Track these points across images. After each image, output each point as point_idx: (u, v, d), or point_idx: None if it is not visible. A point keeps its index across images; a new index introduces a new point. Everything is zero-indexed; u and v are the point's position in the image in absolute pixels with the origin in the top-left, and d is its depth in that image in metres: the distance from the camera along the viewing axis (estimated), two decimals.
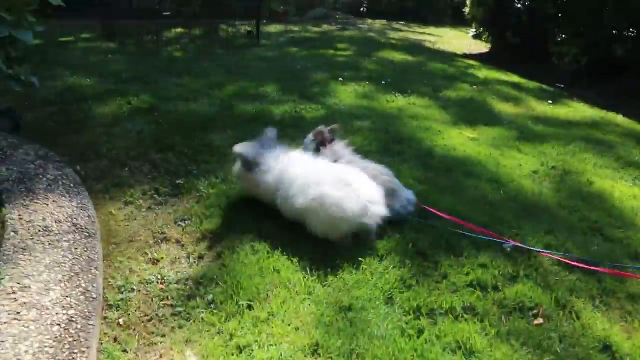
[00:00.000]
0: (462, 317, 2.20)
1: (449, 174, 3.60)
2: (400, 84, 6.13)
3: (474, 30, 11.32)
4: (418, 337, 2.05)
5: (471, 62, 8.57)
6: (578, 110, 6.00)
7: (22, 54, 3.26)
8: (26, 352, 1.77)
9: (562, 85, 7.63)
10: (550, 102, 6.17)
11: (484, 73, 7.58)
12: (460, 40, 11.46)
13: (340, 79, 6.19)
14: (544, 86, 7.24)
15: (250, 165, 2.79)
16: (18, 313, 1.95)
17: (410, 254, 2.58)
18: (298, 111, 4.76)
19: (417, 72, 7.06)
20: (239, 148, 2.80)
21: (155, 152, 3.57)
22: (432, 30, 12.99)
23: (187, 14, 8.78)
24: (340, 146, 3.03)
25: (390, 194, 2.73)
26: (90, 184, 3.14)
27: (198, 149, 3.64)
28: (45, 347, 1.82)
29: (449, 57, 8.79)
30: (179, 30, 9.17)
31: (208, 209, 2.88)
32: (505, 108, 5.65)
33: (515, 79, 7.47)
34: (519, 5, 8.25)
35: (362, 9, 14.90)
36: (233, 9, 8.96)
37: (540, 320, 2.26)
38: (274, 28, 10.77)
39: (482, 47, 10.44)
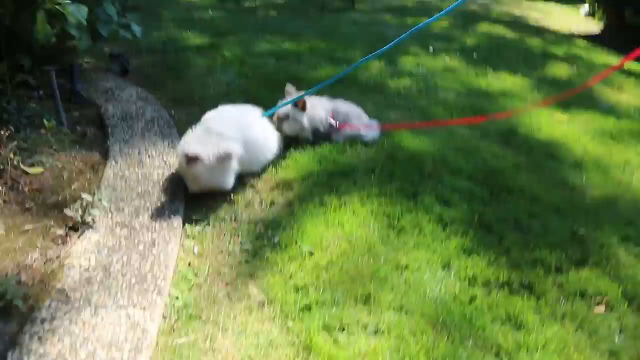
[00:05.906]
0: (518, 292, 2.19)
1: (529, 154, 3.47)
2: (493, 59, 5.86)
3: (586, 7, 10.38)
4: (469, 303, 2.09)
5: (577, 41, 7.95)
6: None
7: (134, 5, 3.56)
8: (117, 261, 2.05)
9: None
10: None
11: (589, 54, 7.01)
12: (569, 18, 10.58)
13: (431, 48, 6.05)
14: None
15: None
16: (112, 229, 2.25)
17: (474, 225, 2.58)
18: (383, 77, 4.76)
19: (513, 48, 6.68)
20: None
21: (241, 103, 3.78)
22: (539, 5, 12.09)
23: None
24: (317, 99, 3.30)
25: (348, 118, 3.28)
26: (181, 126, 3.41)
27: None
28: (132, 260, 2.09)
29: (552, 35, 8.20)
30: None
31: (284, 160, 3.04)
32: (606, 93, 5.24)
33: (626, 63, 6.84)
34: None
35: None
36: None
37: (601, 308, 2.19)
38: None
39: (594, 27, 9.58)
